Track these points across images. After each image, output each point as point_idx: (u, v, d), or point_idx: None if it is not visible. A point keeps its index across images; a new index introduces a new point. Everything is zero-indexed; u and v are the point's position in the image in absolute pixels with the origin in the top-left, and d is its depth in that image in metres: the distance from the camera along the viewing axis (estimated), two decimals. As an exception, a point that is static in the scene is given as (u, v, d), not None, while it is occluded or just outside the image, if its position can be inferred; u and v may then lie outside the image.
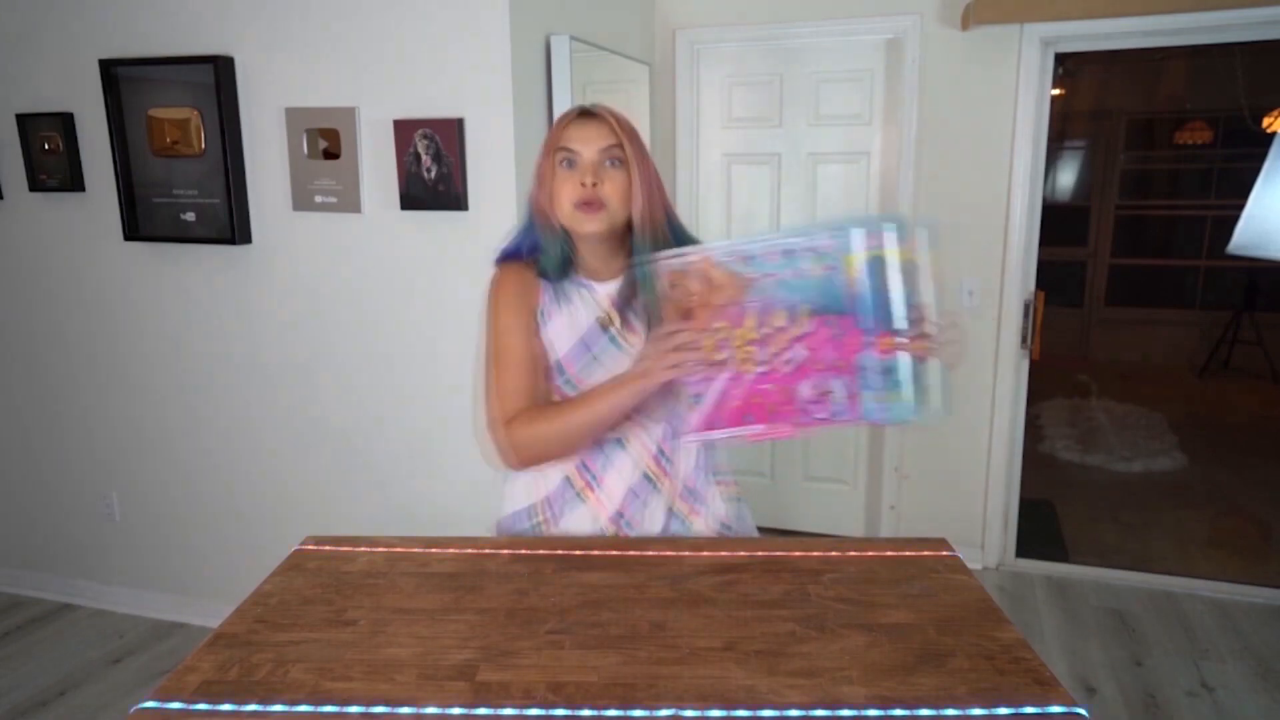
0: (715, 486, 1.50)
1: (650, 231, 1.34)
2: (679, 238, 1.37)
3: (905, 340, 1.15)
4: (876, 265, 1.14)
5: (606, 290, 1.39)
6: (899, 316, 1.15)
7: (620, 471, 1.41)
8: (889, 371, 1.15)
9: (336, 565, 1.25)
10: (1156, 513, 3.95)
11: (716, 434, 1.21)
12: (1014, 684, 0.93)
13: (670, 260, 1.18)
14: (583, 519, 1.42)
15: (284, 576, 1.22)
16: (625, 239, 1.38)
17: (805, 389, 1.18)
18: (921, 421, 1.19)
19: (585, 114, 1.34)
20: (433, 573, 1.22)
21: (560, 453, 1.38)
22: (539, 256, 1.39)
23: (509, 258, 1.43)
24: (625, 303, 1.38)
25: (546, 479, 1.45)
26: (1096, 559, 3.42)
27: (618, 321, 1.37)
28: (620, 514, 1.41)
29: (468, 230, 2.40)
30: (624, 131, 1.32)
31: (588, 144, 1.31)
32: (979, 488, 3.33)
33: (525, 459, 1.37)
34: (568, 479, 1.43)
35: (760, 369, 1.18)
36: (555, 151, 1.33)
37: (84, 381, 2.91)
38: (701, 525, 1.46)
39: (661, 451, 1.42)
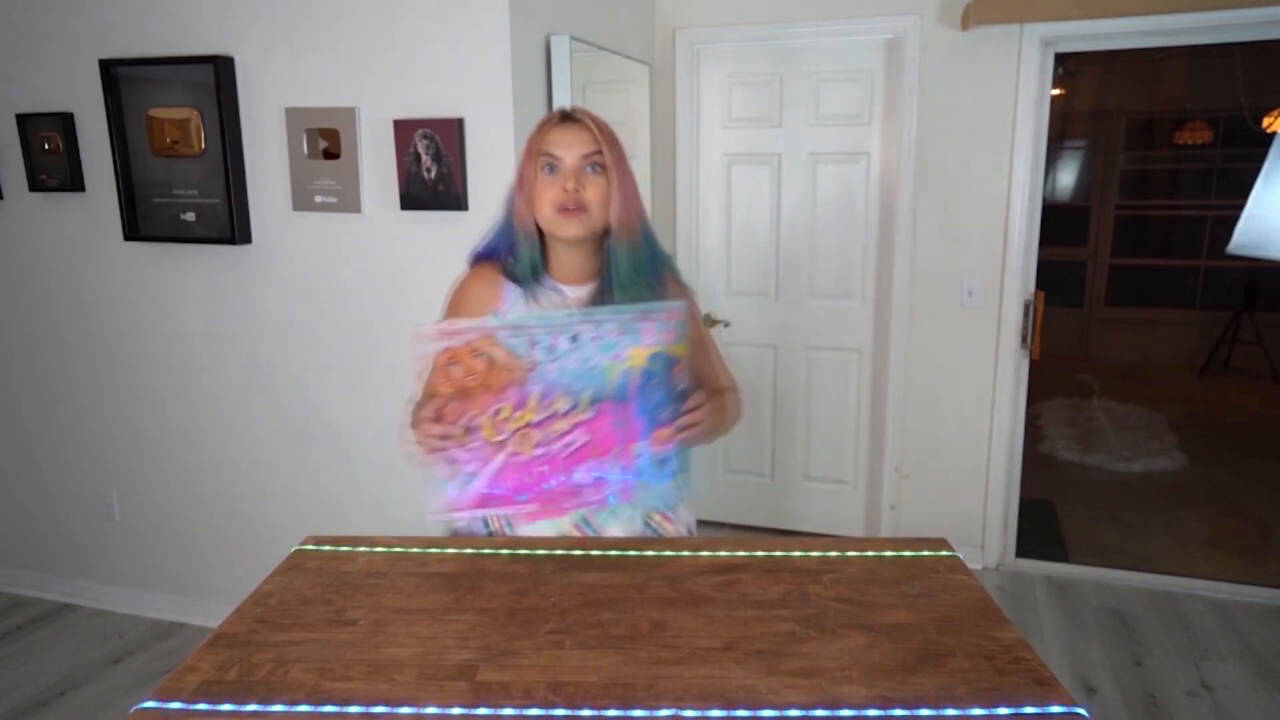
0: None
1: (627, 237, 1.36)
2: (651, 246, 1.40)
3: (677, 430, 1.21)
4: (660, 359, 1.17)
5: (578, 295, 1.39)
6: (675, 408, 1.20)
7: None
8: (664, 463, 1.20)
9: (336, 565, 1.25)
10: (1156, 513, 3.95)
11: (486, 511, 1.22)
12: (1014, 684, 0.93)
13: (448, 335, 1.17)
14: (540, 526, 1.38)
15: (284, 576, 1.22)
16: (600, 244, 1.39)
17: (581, 473, 1.19)
18: (680, 500, 1.28)
19: (567, 119, 1.36)
20: (433, 573, 1.22)
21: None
22: (510, 259, 1.40)
23: (484, 258, 1.44)
24: (598, 305, 1.37)
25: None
26: (1096, 559, 3.42)
27: None
28: (586, 520, 1.39)
29: (468, 230, 2.37)
30: (605, 138, 1.34)
31: (569, 149, 1.32)
32: (979, 488, 3.33)
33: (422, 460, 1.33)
34: None
35: (538, 451, 1.19)
36: (537, 156, 1.34)
37: (84, 381, 2.91)
38: (671, 531, 1.45)
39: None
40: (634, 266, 1.36)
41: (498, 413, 1.18)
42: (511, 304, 1.39)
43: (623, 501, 1.23)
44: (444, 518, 1.24)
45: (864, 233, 3.36)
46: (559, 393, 1.17)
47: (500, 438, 1.19)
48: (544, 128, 1.36)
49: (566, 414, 1.18)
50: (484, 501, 1.21)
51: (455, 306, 1.41)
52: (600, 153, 1.33)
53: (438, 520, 1.24)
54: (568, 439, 1.19)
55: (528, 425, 1.18)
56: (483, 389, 1.18)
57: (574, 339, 1.17)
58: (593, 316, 1.18)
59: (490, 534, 1.43)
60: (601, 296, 1.38)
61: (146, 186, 2.63)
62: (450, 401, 1.19)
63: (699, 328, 1.46)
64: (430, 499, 1.25)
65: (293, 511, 2.77)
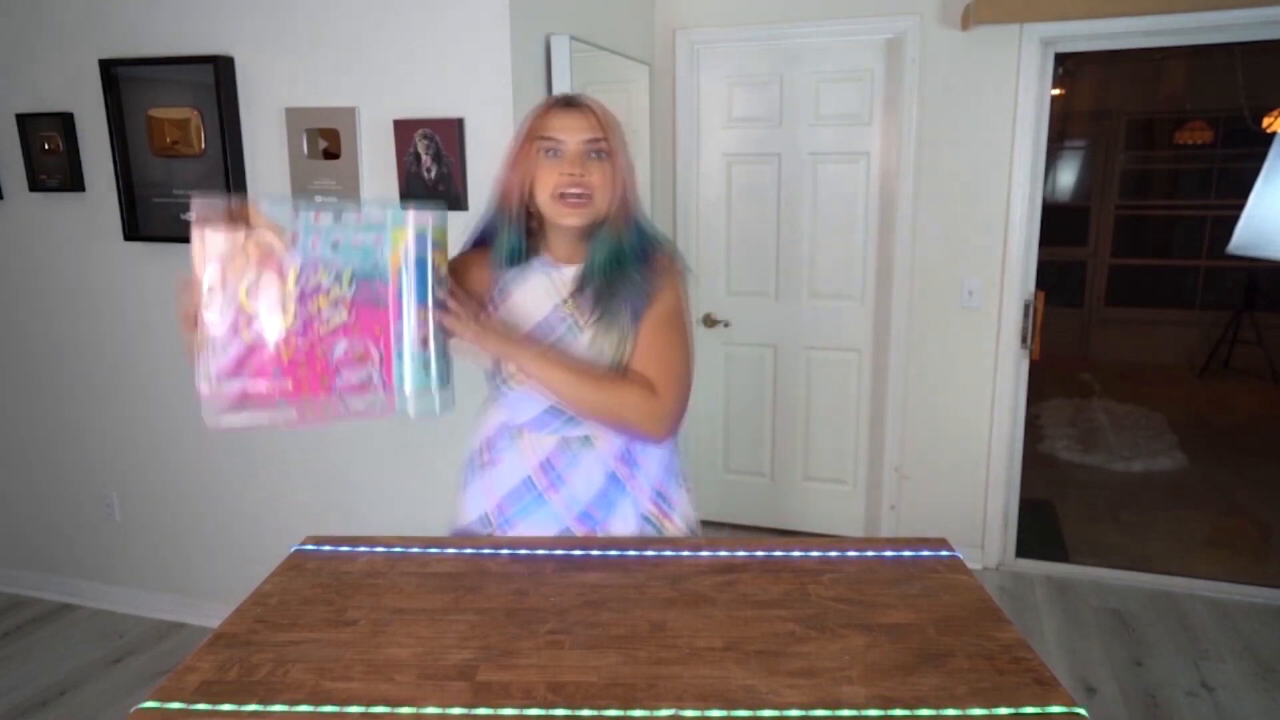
0: (684, 490, 1.49)
1: (616, 228, 1.33)
2: (641, 235, 1.37)
3: (440, 313, 1.20)
4: (421, 241, 1.18)
5: (569, 273, 1.38)
6: (435, 291, 1.20)
7: (586, 470, 1.39)
8: (425, 365, 1.20)
9: (336, 565, 1.25)
10: (1156, 513, 3.95)
11: (242, 404, 1.15)
12: (1014, 684, 0.93)
13: (214, 205, 1.15)
14: (543, 521, 1.40)
15: (284, 576, 1.22)
16: (594, 226, 1.37)
17: (338, 348, 1.18)
18: (440, 413, 1.22)
19: (570, 103, 1.33)
20: (433, 573, 1.22)
21: None
22: (494, 243, 1.39)
23: (477, 245, 1.44)
24: (580, 288, 1.37)
25: (500, 484, 1.43)
26: (1096, 559, 3.42)
27: (574, 306, 1.37)
28: (588, 514, 1.39)
29: (468, 230, 2.39)
30: (607, 124, 1.32)
31: (572, 134, 1.30)
32: (979, 488, 3.33)
33: None
34: (528, 480, 1.41)
35: (294, 324, 1.17)
36: (536, 139, 1.31)
37: (84, 382, 2.91)
38: (673, 530, 1.45)
39: (628, 451, 1.40)
40: (614, 257, 1.33)
41: (248, 283, 1.15)
42: (506, 282, 1.39)
43: (385, 409, 1.20)
44: (215, 416, 1.15)
45: (864, 233, 3.36)
46: (320, 266, 1.17)
47: (252, 309, 1.15)
48: (545, 111, 1.33)
49: (326, 290, 1.17)
50: (239, 367, 1.15)
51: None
52: (603, 139, 1.31)
53: (213, 420, 1.16)
54: (326, 314, 1.17)
55: (283, 298, 1.16)
56: (240, 255, 1.15)
57: (337, 217, 1.17)
58: (350, 204, 1.19)
59: (490, 534, 1.44)
60: (583, 279, 1.37)
61: (146, 186, 2.63)
62: (197, 264, 1.15)
63: (671, 315, 1.37)
64: (197, 376, 1.16)
65: (293, 511, 2.77)
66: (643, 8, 3.24)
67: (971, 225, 3.16)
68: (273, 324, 1.16)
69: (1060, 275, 7.04)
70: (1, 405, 3.05)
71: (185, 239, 1.16)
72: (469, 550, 1.29)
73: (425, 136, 2.35)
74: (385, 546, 1.31)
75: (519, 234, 1.37)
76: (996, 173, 3.10)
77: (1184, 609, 3.06)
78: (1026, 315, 3.18)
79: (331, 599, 1.15)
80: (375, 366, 1.20)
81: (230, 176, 2.52)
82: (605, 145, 1.31)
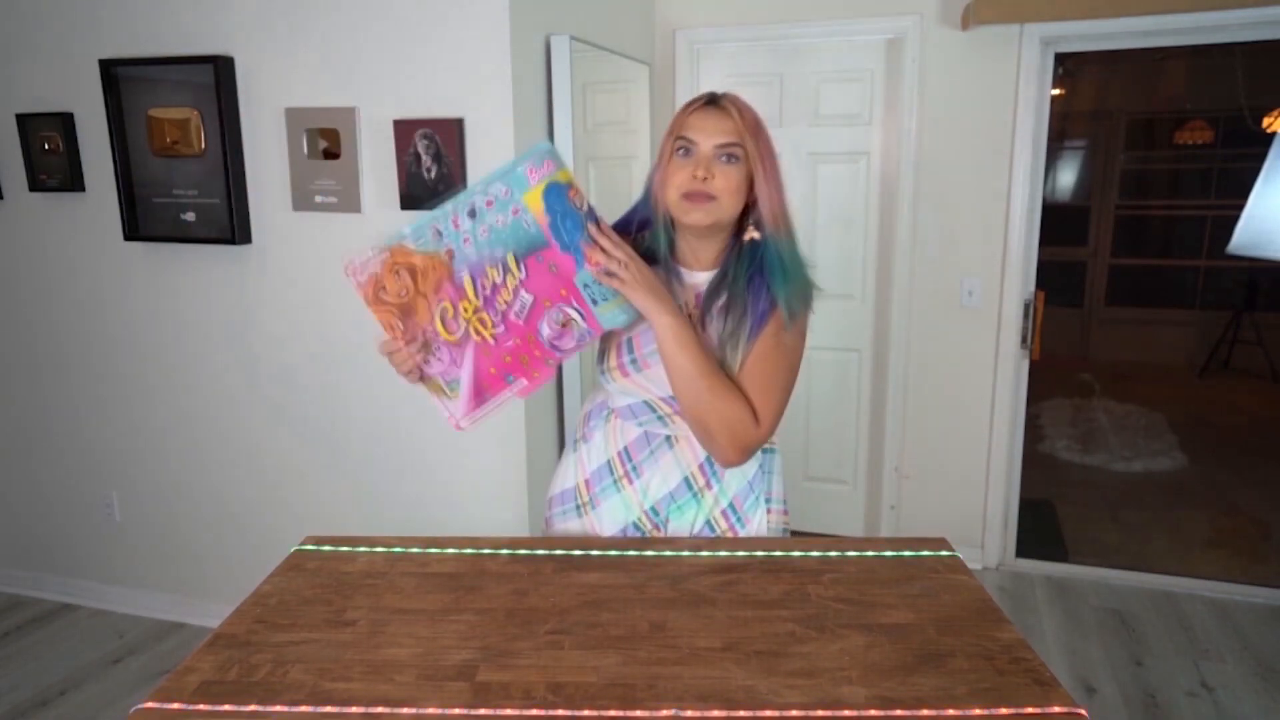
0: (764, 511, 1.45)
1: (781, 233, 1.29)
2: (794, 250, 1.31)
3: (603, 245, 1.20)
4: (553, 191, 1.17)
5: (695, 280, 1.37)
6: (590, 227, 1.20)
7: (663, 469, 1.39)
8: (610, 275, 1.20)
9: (336, 565, 1.25)
10: (1156, 513, 3.95)
11: (489, 406, 1.22)
12: (1014, 684, 0.93)
13: (366, 263, 1.20)
14: (617, 509, 1.41)
15: (284, 577, 1.22)
16: (727, 233, 1.35)
17: (545, 328, 1.21)
18: (626, 322, 1.24)
19: (712, 103, 1.32)
20: (433, 573, 1.22)
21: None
22: (647, 233, 1.38)
23: (618, 228, 1.41)
24: (711, 298, 1.34)
25: (590, 460, 1.45)
26: (1096, 559, 3.42)
27: (698, 315, 1.34)
28: (655, 511, 1.40)
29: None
30: (748, 127, 1.29)
31: (706, 136, 1.29)
32: (979, 488, 3.33)
33: None
34: (609, 464, 1.42)
35: (498, 329, 1.20)
36: (674, 138, 1.31)
37: (84, 381, 2.91)
38: (749, 532, 1.43)
39: (710, 460, 1.39)
40: (794, 262, 1.30)
41: (445, 313, 1.20)
42: None
43: (593, 331, 1.22)
44: (467, 426, 1.24)
45: (864, 233, 3.36)
46: (486, 266, 1.19)
47: (458, 334, 1.20)
48: (687, 109, 1.32)
49: (503, 283, 1.19)
50: (479, 395, 1.22)
51: None
52: (739, 144, 1.28)
53: (467, 429, 1.25)
54: (516, 305, 1.20)
55: (476, 311, 1.20)
56: (419, 298, 1.20)
57: (471, 214, 1.18)
58: (470, 190, 1.18)
59: (577, 507, 1.45)
60: (719, 286, 1.33)
61: (146, 186, 2.63)
62: (400, 323, 1.22)
63: (791, 347, 1.32)
64: (444, 422, 1.26)
65: (293, 511, 2.77)
66: (643, 8, 3.24)
67: (971, 225, 3.16)
68: (480, 339, 1.20)
69: (1060, 275, 7.04)
70: (1, 405, 3.05)
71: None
72: (469, 550, 1.29)
73: (425, 136, 2.35)
74: (385, 546, 1.31)
75: (667, 232, 1.35)
76: (996, 172, 3.10)
77: (1184, 609, 3.06)
78: (1026, 315, 3.18)
79: (331, 599, 1.15)
80: (575, 315, 1.22)
81: (230, 176, 2.52)
82: (740, 150, 1.29)
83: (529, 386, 1.23)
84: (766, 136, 1.31)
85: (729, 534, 1.41)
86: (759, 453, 1.43)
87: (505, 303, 1.19)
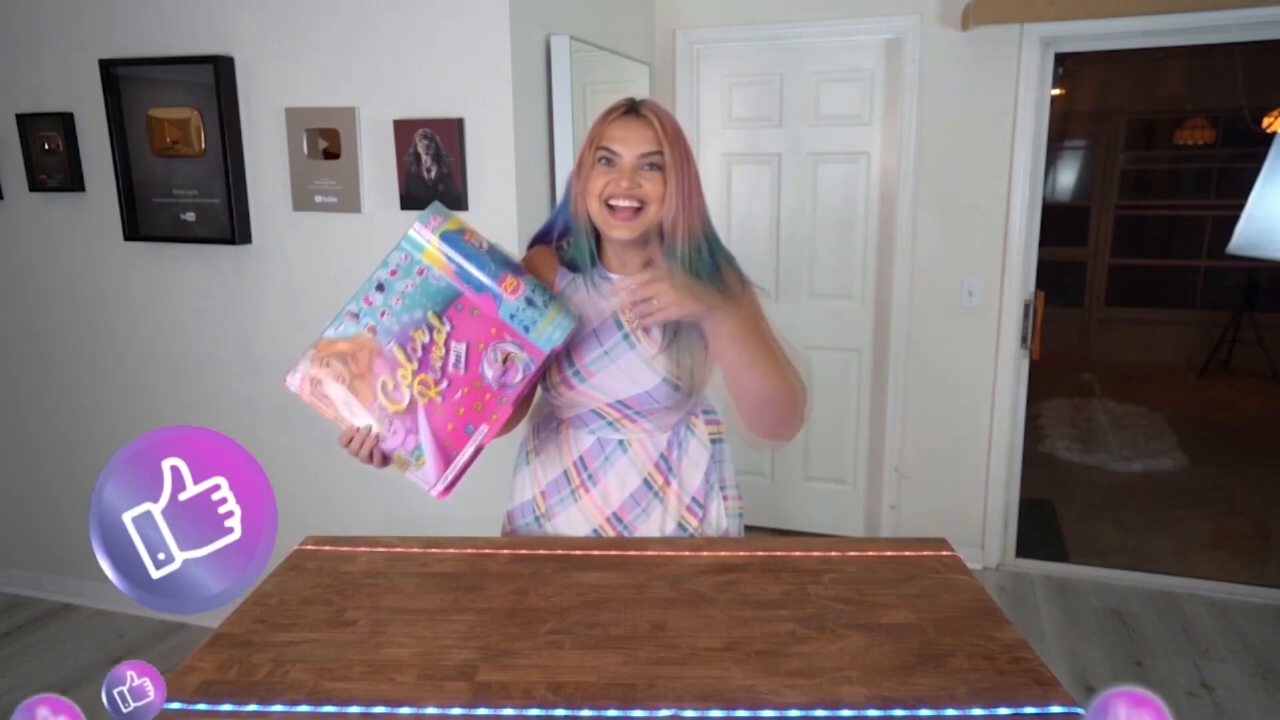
0: (720, 499, 1.47)
1: (687, 238, 1.28)
2: (712, 247, 1.31)
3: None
4: (447, 240, 1.22)
5: (626, 284, 1.34)
6: (498, 259, 1.23)
7: (619, 473, 1.39)
8: (529, 303, 1.23)
9: (336, 565, 1.25)
10: (1156, 513, 3.95)
11: (459, 462, 1.24)
12: (1014, 684, 0.93)
13: (296, 367, 1.27)
14: (575, 519, 1.40)
15: (284, 576, 1.22)
16: (654, 236, 1.33)
17: (487, 370, 1.22)
18: (572, 325, 1.25)
19: (631, 111, 1.30)
20: (433, 573, 1.22)
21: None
22: (566, 241, 1.37)
23: (538, 241, 1.42)
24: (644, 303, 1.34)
25: (545, 472, 1.44)
26: (1096, 559, 3.42)
27: (633, 318, 1.32)
28: (618, 518, 1.39)
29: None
30: (668, 136, 1.28)
31: (628, 147, 1.27)
32: (979, 488, 3.33)
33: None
34: (565, 474, 1.41)
35: (442, 386, 1.22)
36: (595, 147, 1.29)
37: (84, 381, 2.91)
38: (711, 531, 1.44)
39: (664, 458, 1.39)
40: (693, 273, 1.28)
41: (385, 386, 1.22)
42: (563, 288, 1.37)
43: (535, 358, 1.23)
44: (447, 496, 1.26)
45: (864, 233, 3.36)
46: (410, 332, 1.21)
47: (404, 402, 1.22)
48: (607, 118, 1.30)
49: (432, 341, 1.21)
50: (444, 454, 1.24)
51: None
52: (659, 152, 1.27)
53: (442, 500, 1.26)
54: (451, 357, 1.22)
55: (415, 375, 1.22)
56: (358, 380, 1.23)
57: (380, 288, 1.22)
58: (371, 273, 1.23)
59: (536, 520, 1.44)
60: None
61: (146, 186, 2.63)
62: (344, 414, 1.25)
63: (756, 323, 1.31)
64: (425, 495, 1.27)
65: (293, 511, 2.75)
66: (643, 8, 3.24)
67: (971, 225, 3.16)
68: (427, 400, 1.22)
69: (1060, 275, 7.03)
70: (2, 405, 3.05)
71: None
72: (469, 550, 1.29)
73: (425, 136, 2.35)
74: (385, 546, 1.31)
75: (590, 240, 1.34)
76: (996, 172, 3.10)
77: (1184, 609, 3.06)
78: (1026, 315, 3.18)
79: (331, 599, 1.15)
80: (513, 349, 1.23)
81: (230, 177, 2.52)
82: (662, 159, 1.27)
83: (491, 430, 1.23)
84: (685, 145, 1.31)
85: (700, 530, 1.41)
86: (710, 444, 1.45)
87: (440, 359, 1.21)
